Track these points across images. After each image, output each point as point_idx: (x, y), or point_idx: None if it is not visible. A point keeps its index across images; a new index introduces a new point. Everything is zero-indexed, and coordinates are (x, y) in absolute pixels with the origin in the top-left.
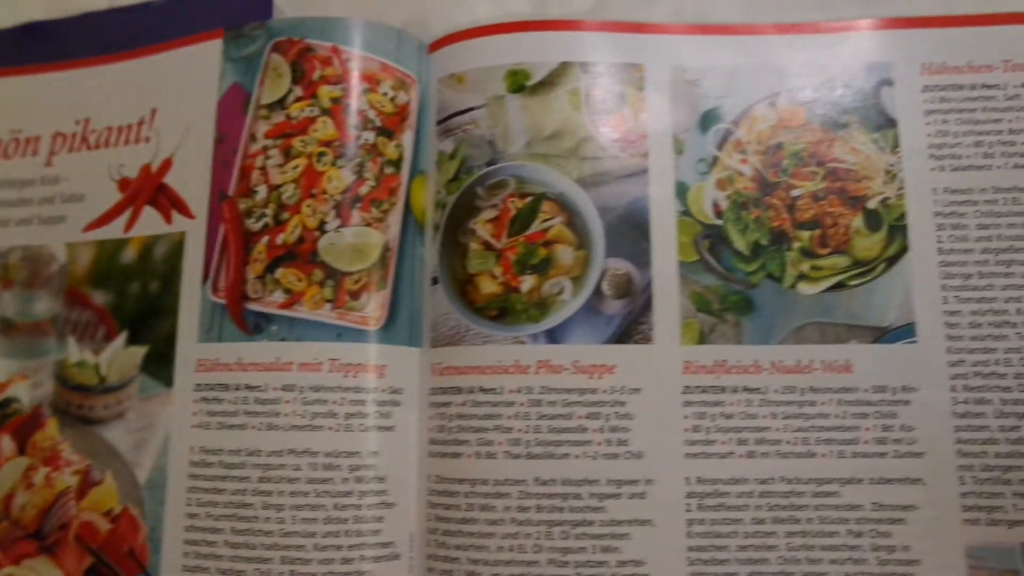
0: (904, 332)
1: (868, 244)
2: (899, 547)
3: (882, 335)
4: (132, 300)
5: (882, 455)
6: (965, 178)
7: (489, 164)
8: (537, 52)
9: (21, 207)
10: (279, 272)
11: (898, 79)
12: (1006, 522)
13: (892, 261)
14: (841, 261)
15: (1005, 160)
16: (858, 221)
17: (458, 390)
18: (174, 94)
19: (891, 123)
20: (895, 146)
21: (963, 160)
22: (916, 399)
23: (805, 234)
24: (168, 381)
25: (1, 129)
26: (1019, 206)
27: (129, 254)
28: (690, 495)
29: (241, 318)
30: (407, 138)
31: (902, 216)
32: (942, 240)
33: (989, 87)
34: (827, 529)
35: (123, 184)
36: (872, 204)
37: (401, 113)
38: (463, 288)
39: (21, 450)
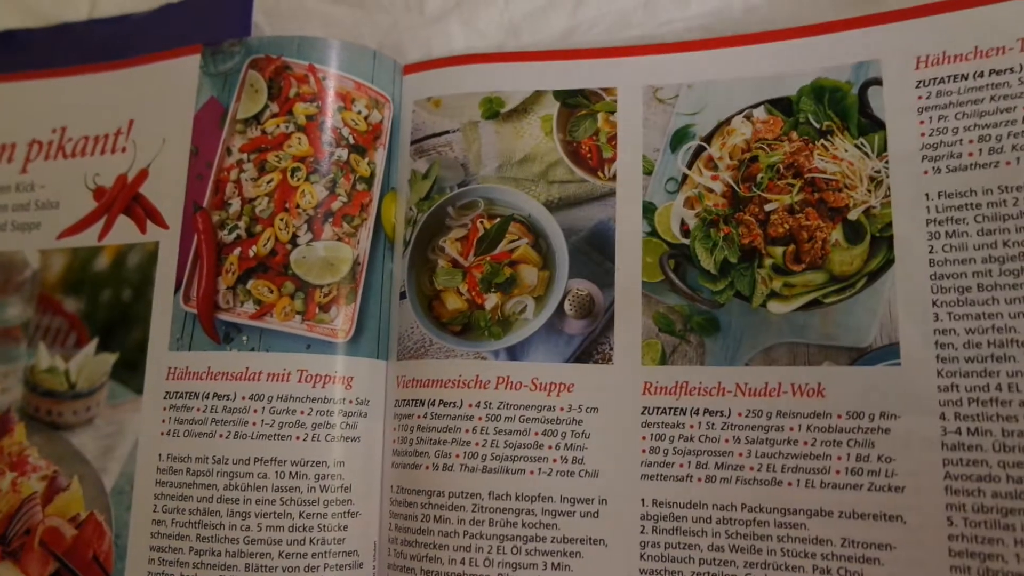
0: (886, 353)
1: (847, 258)
2: None
3: (860, 356)
4: (104, 308)
5: (856, 487)
6: (965, 179)
7: (461, 185)
8: (512, 81)
9: None
10: (250, 283)
11: (888, 77)
12: (1004, 573)
13: (874, 276)
14: (817, 277)
15: (1018, 154)
16: (837, 234)
17: (420, 402)
18: (151, 106)
19: (878, 125)
20: (882, 150)
21: (963, 159)
22: (897, 427)
23: (778, 250)
24: (138, 388)
25: None
26: None
27: (102, 262)
28: (644, 517)
29: (212, 328)
30: (379, 156)
31: (888, 226)
32: (934, 250)
33: (999, 72)
34: (791, 563)
35: (98, 193)
36: (853, 215)
37: (374, 131)
38: (429, 303)
39: None
